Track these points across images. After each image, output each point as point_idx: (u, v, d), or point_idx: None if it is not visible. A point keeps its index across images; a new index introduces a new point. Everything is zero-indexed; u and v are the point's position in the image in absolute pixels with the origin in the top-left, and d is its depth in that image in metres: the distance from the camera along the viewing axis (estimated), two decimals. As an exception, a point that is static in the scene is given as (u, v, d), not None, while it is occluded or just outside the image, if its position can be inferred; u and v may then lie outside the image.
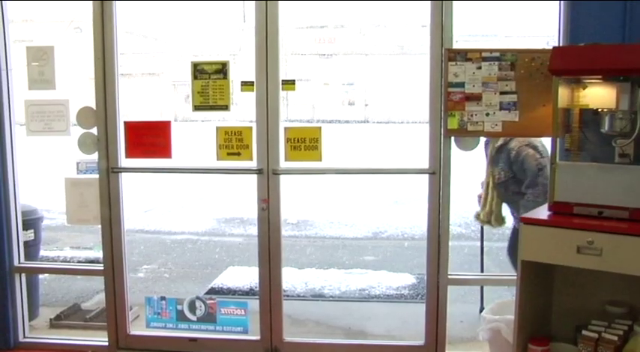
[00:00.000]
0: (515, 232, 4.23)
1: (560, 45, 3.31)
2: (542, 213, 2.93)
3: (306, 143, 3.50)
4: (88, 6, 3.54)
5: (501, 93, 3.28)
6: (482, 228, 4.47)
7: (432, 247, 3.54)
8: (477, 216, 4.28)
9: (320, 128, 3.53)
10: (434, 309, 3.58)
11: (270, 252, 3.64)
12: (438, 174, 3.46)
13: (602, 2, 3.17)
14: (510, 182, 4.04)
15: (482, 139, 3.79)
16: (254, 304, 3.80)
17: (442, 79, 3.34)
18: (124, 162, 3.67)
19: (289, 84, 3.54)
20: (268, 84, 3.48)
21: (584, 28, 3.19)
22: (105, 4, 3.52)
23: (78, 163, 3.72)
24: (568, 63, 2.80)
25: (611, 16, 3.16)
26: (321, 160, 3.52)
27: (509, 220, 4.20)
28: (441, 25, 3.35)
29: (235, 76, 3.52)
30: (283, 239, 3.69)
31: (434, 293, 3.57)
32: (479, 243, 4.60)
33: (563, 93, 2.87)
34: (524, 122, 3.27)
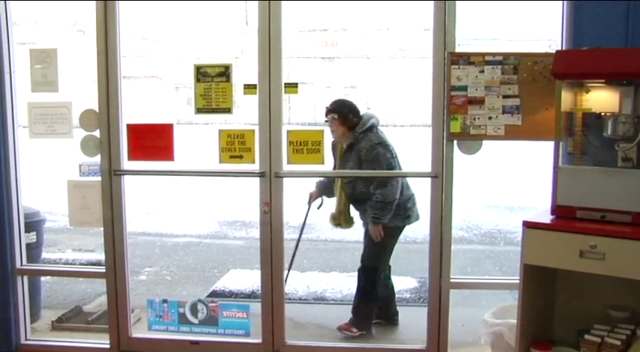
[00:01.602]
0: (366, 235, 4.21)
1: (563, 46, 3.31)
2: (545, 217, 2.92)
3: (308, 146, 3.49)
4: (91, 8, 3.54)
5: (504, 96, 3.28)
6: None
7: (435, 251, 3.53)
8: (332, 218, 4.28)
9: (322, 131, 3.53)
10: (436, 313, 3.58)
11: (272, 254, 3.63)
12: (441, 178, 3.45)
13: (606, 2, 3.17)
14: (358, 181, 4.05)
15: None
16: (256, 307, 3.79)
17: (445, 83, 3.34)
18: (127, 164, 3.67)
19: (292, 87, 3.54)
20: (271, 87, 3.48)
21: (587, 29, 3.18)
22: (108, 4, 3.52)
23: (80, 166, 3.72)
24: (571, 67, 2.80)
25: (615, 17, 3.15)
26: (323, 163, 3.52)
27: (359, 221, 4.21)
28: (443, 29, 3.34)
29: (238, 79, 3.52)
30: (285, 242, 3.69)
31: (436, 296, 3.56)
32: (481, 247, 4.59)
33: (566, 97, 2.87)
34: (527, 126, 3.26)
